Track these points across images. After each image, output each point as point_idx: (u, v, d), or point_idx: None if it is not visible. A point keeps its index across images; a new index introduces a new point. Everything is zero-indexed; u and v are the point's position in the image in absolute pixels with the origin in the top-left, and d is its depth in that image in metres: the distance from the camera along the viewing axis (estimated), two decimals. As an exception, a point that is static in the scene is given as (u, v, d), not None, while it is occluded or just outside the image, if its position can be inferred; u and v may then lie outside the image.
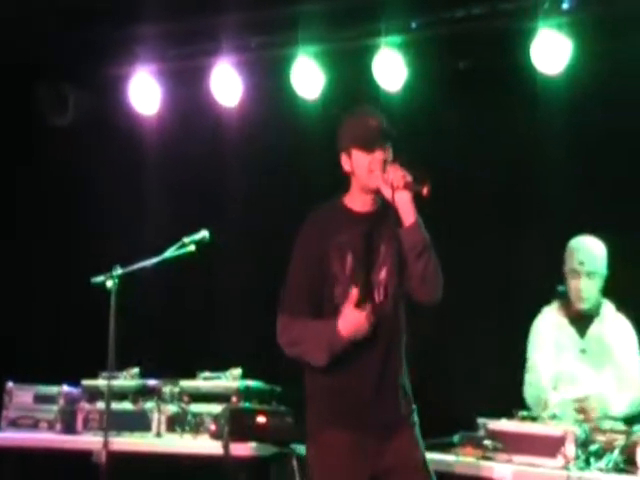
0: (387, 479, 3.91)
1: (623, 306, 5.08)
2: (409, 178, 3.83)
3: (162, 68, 6.93)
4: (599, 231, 5.10)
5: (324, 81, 6.65)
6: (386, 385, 3.93)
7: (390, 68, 6.46)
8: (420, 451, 3.99)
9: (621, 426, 4.51)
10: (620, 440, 4.30)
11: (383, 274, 3.92)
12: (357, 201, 3.99)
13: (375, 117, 3.94)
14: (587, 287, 4.96)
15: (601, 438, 4.34)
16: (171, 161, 7.08)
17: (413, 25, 6.45)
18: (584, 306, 4.99)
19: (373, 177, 3.90)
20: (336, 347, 3.82)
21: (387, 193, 3.87)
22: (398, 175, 3.83)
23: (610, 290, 5.07)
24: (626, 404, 4.89)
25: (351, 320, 3.81)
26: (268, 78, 6.83)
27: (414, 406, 4.04)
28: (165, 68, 6.93)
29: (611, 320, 5.03)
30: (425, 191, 3.81)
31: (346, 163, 3.98)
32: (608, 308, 5.04)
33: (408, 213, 3.85)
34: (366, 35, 6.55)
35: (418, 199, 3.89)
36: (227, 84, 6.79)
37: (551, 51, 6.05)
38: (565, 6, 6.05)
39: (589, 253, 4.98)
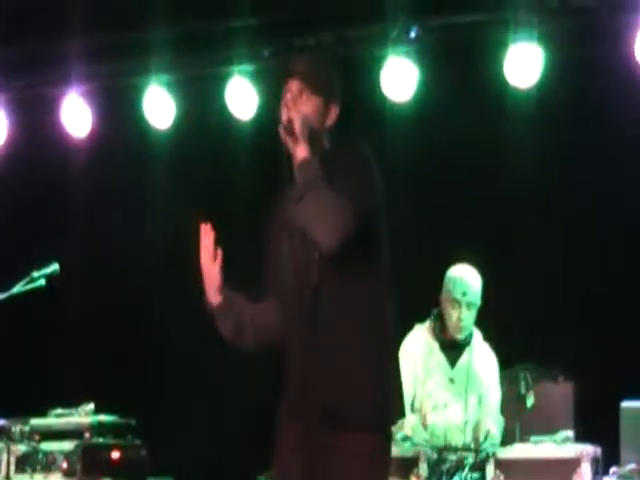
0: None
1: (489, 335, 5.14)
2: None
3: (8, 98, 6.77)
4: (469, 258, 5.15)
5: (176, 110, 6.62)
6: (315, 371, 3.23)
7: (242, 96, 6.47)
8: None
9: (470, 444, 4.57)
10: (470, 458, 4.36)
11: (295, 240, 3.30)
12: None
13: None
14: (466, 317, 4.97)
15: (452, 457, 4.39)
16: (18, 194, 6.92)
17: (265, 53, 6.47)
18: (461, 336, 5.00)
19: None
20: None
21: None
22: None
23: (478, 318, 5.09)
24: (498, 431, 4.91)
25: None
26: (119, 107, 6.75)
27: (369, 409, 3.21)
28: (11, 97, 6.78)
29: (479, 350, 5.06)
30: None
31: None
32: (477, 337, 5.08)
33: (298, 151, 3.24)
34: (218, 63, 6.55)
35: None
36: (76, 114, 6.69)
37: (399, 78, 6.17)
38: (412, 34, 6.17)
39: (471, 284, 5.00)
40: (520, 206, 6.08)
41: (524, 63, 5.90)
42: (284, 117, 3.26)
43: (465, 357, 4.99)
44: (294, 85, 3.35)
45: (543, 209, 6.09)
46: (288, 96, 3.33)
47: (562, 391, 5.02)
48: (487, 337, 5.11)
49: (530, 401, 4.80)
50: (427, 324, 5.06)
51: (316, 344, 3.24)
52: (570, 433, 4.47)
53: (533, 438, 4.52)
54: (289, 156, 3.26)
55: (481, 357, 5.03)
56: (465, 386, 4.94)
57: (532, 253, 6.01)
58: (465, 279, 4.99)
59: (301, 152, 3.22)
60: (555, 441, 4.44)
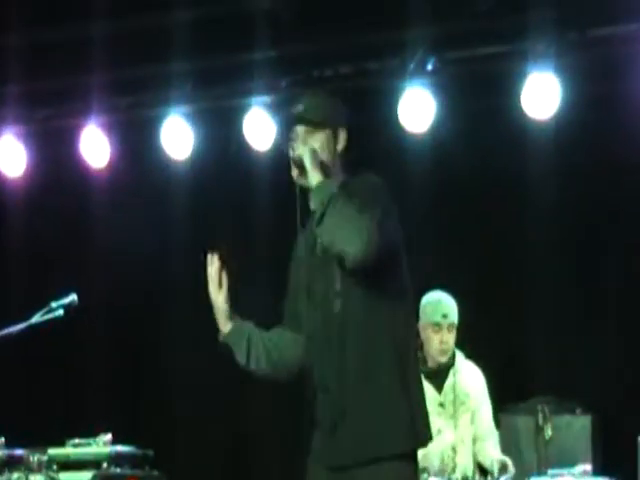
0: None
1: (472, 353, 5.17)
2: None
3: (28, 130, 6.83)
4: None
5: (194, 141, 6.65)
6: (339, 410, 3.27)
7: (260, 127, 6.50)
8: None
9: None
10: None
11: (317, 271, 3.37)
12: None
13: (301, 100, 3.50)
14: (448, 340, 5.04)
15: (469, 490, 4.38)
16: (37, 224, 6.98)
17: (283, 84, 6.51)
18: (444, 359, 5.04)
19: None
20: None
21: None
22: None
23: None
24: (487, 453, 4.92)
25: None
26: (138, 138, 6.80)
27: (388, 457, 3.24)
28: (31, 130, 6.84)
29: (464, 368, 5.10)
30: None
31: None
32: (459, 357, 5.13)
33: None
34: (236, 94, 6.59)
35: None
36: (96, 145, 6.73)
37: (417, 110, 6.19)
38: (429, 66, 6.20)
39: (449, 306, 5.08)
40: (536, 235, 6.09)
41: (542, 95, 5.91)
42: (294, 155, 3.39)
43: (450, 379, 5.03)
44: (299, 130, 3.46)
45: (560, 238, 6.09)
46: (296, 141, 3.44)
47: (580, 424, 5.01)
48: (504, 369, 5.12)
49: (547, 434, 4.78)
50: None
51: (343, 375, 3.28)
52: (588, 466, 4.45)
53: (550, 471, 4.50)
54: (302, 192, 3.36)
55: (467, 375, 5.07)
56: (454, 406, 4.96)
57: (550, 284, 6.02)
58: (443, 302, 5.08)
59: (315, 179, 3.33)
60: (573, 474, 4.42)
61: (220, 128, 6.68)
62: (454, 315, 5.06)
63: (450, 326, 5.02)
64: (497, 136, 6.11)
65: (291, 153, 3.41)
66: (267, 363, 3.45)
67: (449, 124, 6.16)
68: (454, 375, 5.03)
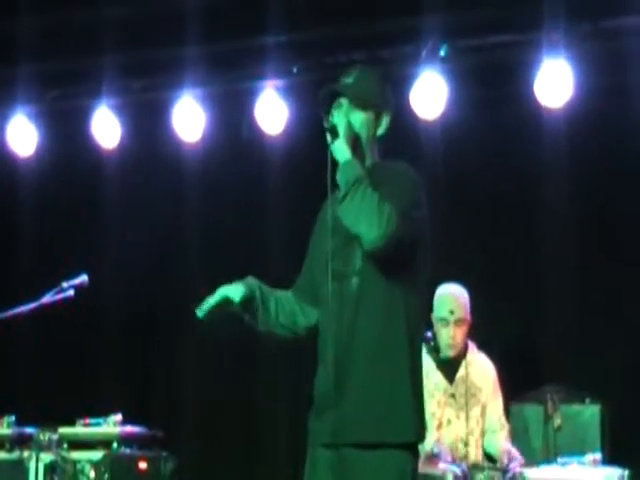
0: None
1: (484, 344, 5.17)
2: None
3: (40, 110, 6.85)
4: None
5: (205, 124, 6.66)
6: (344, 389, 3.25)
7: (272, 111, 6.52)
8: None
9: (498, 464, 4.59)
10: (497, 477, 4.39)
11: (338, 246, 3.35)
12: None
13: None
14: (456, 335, 5.00)
15: (480, 476, 4.42)
16: (48, 205, 7.00)
17: (295, 69, 6.52)
18: (452, 354, 5.02)
19: None
20: None
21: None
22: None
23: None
24: (497, 445, 4.95)
25: None
26: (149, 120, 6.81)
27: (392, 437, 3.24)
28: (43, 110, 6.85)
29: (475, 361, 5.08)
30: None
31: None
32: (471, 349, 5.11)
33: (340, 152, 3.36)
34: (249, 78, 6.60)
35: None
36: (107, 126, 6.75)
37: (429, 96, 6.20)
38: (442, 53, 6.20)
39: (457, 302, 5.03)
40: (549, 223, 6.10)
41: (554, 83, 5.93)
42: (330, 121, 3.35)
43: (462, 371, 5.02)
44: (344, 102, 3.41)
45: (572, 226, 6.10)
46: (338, 111, 3.38)
47: (589, 413, 5.05)
48: (514, 358, 5.14)
49: (557, 422, 4.82)
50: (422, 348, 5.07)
51: (352, 352, 3.27)
52: (597, 455, 4.48)
53: (560, 459, 4.54)
54: (333, 161, 3.33)
55: (478, 368, 5.05)
56: (466, 398, 4.95)
57: (562, 273, 6.03)
58: (451, 297, 5.02)
59: (343, 155, 3.32)
60: (582, 463, 4.45)
61: (232, 111, 6.69)
62: (462, 310, 5.00)
63: (458, 321, 4.97)
64: (509, 124, 6.12)
65: (326, 120, 3.36)
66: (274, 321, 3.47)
67: (461, 111, 6.17)
68: (466, 367, 5.01)
